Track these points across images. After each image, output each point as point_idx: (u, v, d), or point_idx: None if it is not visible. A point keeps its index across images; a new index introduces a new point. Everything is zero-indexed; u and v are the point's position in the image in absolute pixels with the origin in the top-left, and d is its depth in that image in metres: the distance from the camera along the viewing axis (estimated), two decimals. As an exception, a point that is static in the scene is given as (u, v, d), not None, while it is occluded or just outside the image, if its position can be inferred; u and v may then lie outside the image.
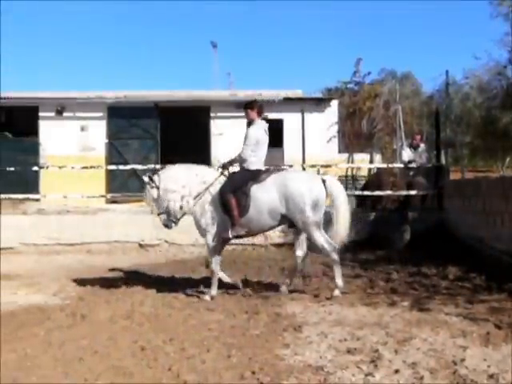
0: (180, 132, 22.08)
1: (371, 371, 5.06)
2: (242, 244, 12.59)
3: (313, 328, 6.56)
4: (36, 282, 9.65)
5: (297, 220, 8.25)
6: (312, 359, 5.48)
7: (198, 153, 20.69)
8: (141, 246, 12.67)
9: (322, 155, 18.24)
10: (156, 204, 8.53)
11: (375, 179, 16.75)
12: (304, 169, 15.55)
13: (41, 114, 19.45)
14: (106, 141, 19.62)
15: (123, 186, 18.44)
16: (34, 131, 19.30)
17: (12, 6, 79.80)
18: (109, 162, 19.01)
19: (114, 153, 19.66)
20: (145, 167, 15.26)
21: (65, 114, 19.51)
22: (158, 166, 16.21)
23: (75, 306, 7.88)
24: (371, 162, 19.17)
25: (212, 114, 20.03)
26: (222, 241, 8.56)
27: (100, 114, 19.59)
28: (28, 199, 15.94)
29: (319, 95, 23.44)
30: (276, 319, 7.00)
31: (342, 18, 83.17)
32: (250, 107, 8.68)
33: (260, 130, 8.53)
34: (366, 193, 15.39)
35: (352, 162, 19.36)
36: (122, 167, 16.02)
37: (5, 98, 19.75)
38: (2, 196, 14.39)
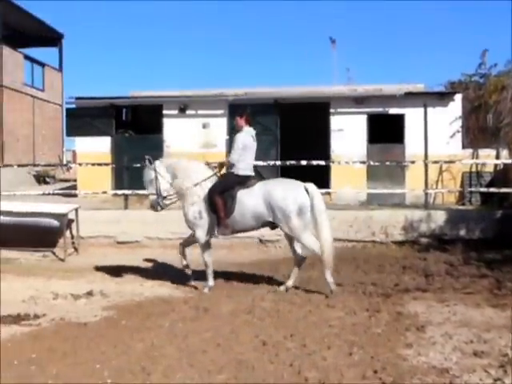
0: (299, 128, 22.07)
1: (500, 376, 4.86)
2: (362, 241, 12.46)
3: (436, 328, 6.40)
4: (161, 274, 9.95)
5: (283, 226, 8.67)
6: (436, 361, 5.34)
7: (317, 149, 20.64)
8: (261, 241, 12.77)
9: (444, 151, 17.72)
10: (150, 185, 9.23)
11: (502, 175, 16.08)
12: (426, 165, 15.15)
13: (165, 111, 20.00)
14: (227, 137, 19.94)
15: (242, 181, 18.66)
16: (157, 129, 19.90)
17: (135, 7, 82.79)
18: (229, 158, 19.32)
19: (235, 149, 19.90)
20: (265, 163, 15.36)
21: (187, 112, 20.00)
22: (278, 163, 16.36)
23: (198, 299, 8.08)
24: (497, 157, 18.38)
25: (332, 110, 19.85)
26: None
27: (221, 112, 19.91)
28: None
29: (442, 89, 22.65)
30: (398, 318, 6.88)
31: (466, 7, 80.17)
32: (238, 115, 9.17)
33: (248, 136, 9.00)
34: (492, 190, 14.81)
35: (477, 158, 18.65)
36: (242, 163, 16.22)
37: (131, 98, 20.54)
38: (129, 191, 14.99)
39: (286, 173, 19.34)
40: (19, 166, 17.86)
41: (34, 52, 28.58)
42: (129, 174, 16.23)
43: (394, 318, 6.89)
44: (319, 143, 20.38)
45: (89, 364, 5.49)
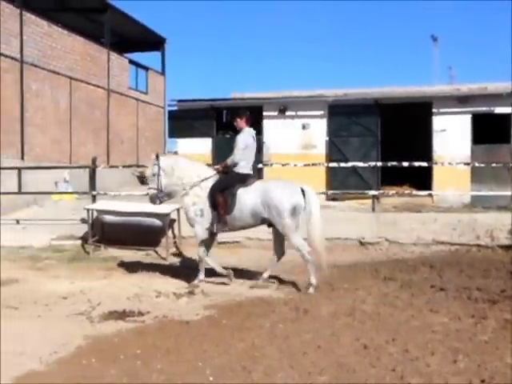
0: (400, 129, 21.72)
1: None
2: (466, 245, 12.06)
3: (548, 337, 6.10)
4: (260, 276, 9.98)
5: (277, 223, 9.02)
6: (549, 372, 5.09)
7: (419, 150, 20.24)
8: (361, 243, 12.61)
9: (555, 151, 16.98)
10: (152, 179, 9.54)
11: None
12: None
13: (264, 113, 20.18)
14: (327, 138, 19.86)
15: (343, 183, 18.55)
16: (257, 130, 20.04)
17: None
18: (329, 159, 19.22)
19: (335, 150, 19.82)
20: (365, 165, 15.21)
21: (287, 113, 20.08)
22: (378, 164, 16.13)
23: (298, 301, 8.04)
24: None
25: (434, 110, 19.41)
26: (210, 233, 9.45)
27: (321, 113, 19.88)
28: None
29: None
30: (505, 325, 6.59)
31: None
32: (238, 116, 9.69)
33: (249, 136, 9.49)
34: None
35: None
36: (342, 165, 16.12)
37: (231, 99, 20.82)
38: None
39: (387, 174, 19.15)
40: (124, 166, 18.44)
41: (138, 56, 29.49)
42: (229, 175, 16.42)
43: (501, 325, 6.61)
44: (421, 144, 19.99)
45: (191, 361, 5.59)
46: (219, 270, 9.50)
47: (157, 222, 12.38)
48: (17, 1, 18.66)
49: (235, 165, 9.32)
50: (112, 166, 19.23)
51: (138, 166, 24.18)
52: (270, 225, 9.32)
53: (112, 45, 25.46)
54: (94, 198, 13.96)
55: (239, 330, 6.66)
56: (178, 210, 12.78)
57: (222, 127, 21.21)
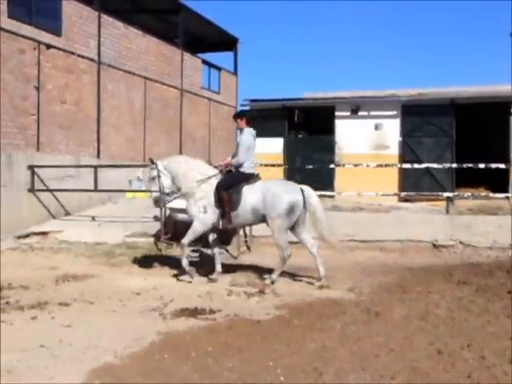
0: (476, 129, 21.20)
1: None
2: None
3: None
4: (330, 277, 9.93)
5: (269, 219, 9.37)
6: None
7: (496, 151, 19.71)
8: (434, 246, 12.38)
9: None
10: (152, 183, 9.87)
11: None
12: None
13: (337, 113, 20.05)
14: (400, 139, 19.58)
15: (416, 184, 18.26)
16: (329, 130, 19.97)
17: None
18: (402, 160, 18.95)
19: (408, 151, 19.52)
20: (440, 166, 14.92)
21: (360, 113, 19.90)
22: (453, 165, 15.79)
23: (369, 303, 7.96)
24: None
25: (512, 110, 18.90)
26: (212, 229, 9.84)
27: (394, 113, 19.62)
28: (324, 196, 16.54)
29: None
30: None
31: None
32: (239, 117, 10.07)
33: (250, 136, 9.81)
34: None
35: None
36: (415, 165, 15.85)
37: (304, 99, 20.79)
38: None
39: (461, 176, 18.72)
40: (196, 166, 18.61)
41: (211, 57, 29.76)
42: (301, 174, 16.44)
43: None
44: (497, 145, 19.47)
45: (262, 360, 5.59)
46: (185, 264, 9.71)
47: (228, 221, 12.43)
48: (95, 3, 19.12)
49: (240, 165, 9.67)
50: (185, 165, 19.47)
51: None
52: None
53: (185, 45, 25.79)
54: (167, 197, 14.14)
55: (310, 330, 6.64)
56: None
57: (293, 127, 21.18)
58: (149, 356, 5.78)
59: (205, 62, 27.98)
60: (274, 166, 16.94)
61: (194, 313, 7.52)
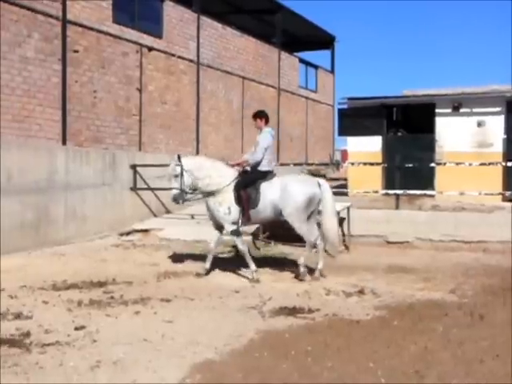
0: None
1: None
2: None
3: None
4: (431, 277, 9.70)
5: (286, 212, 9.60)
6: None
7: None
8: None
9: None
10: (175, 180, 9.79)
11: None
12: None
13: (437, 110, 19.52)
14: (504, 136, 18.86)
15: (521, 183, 17.54)
16: (429, 128, 19.49)
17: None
18: (506, 158, 18.26)
19: (512, 149, 18.79)
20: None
21: (461, 110, 19.31)
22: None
23: (473, 305, 7.72)
24: None
25: None
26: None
27: (498, 109, 18.89)
28: (424, 195, 16.20)
29: None
30: None
31: None
32: (258, 117, 10.21)
33: (269, 136, 10.07)
34: None
35: None
36: (521, 164, 15.25)
37: (403, 97, 20.40)
38: (400, 191, 14.91)
39: None
40: (295, 164, 18.67)
41: (307, 55, 29.75)
42: (400, 173, 16.16)
43: None
44: None
45: (362, 361, 5.53)
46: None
47: (327, 220, 12.36)
48: (195, 6, 19.50)
49: (258, 164, 9.85)
50: (283, 164, 19.54)
51: (308, 164, 24.48)
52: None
53: (282, 44, 25.91)
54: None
55: (411, 332, 6.51)
56: (348, 208, 12.73)
57: (392, 125, 20.81)
58: (248, 353, 5.83)
59: (302, 60, 28.03)
60: (372, 164, 16.73)
61: (292, 311, 7.51)
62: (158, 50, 17.73)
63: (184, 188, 9.85)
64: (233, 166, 10.29)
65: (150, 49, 17.30)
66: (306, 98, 27.99)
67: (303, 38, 29.49)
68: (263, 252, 12.38)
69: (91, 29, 15.12)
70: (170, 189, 9.98)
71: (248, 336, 6.40)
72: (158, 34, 17.81)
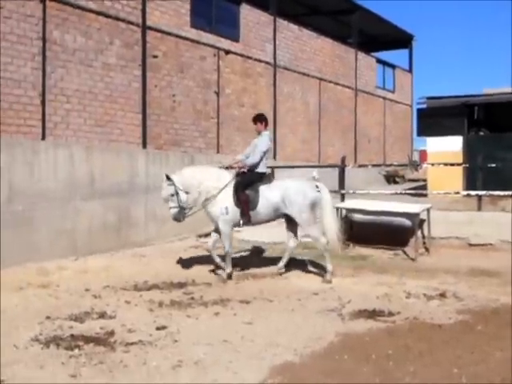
0: None
1: None
2: None
3: None
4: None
5: (296, 218, 9.88)
6: None
7: None
8: None
9: None
10: (171, 199, 9.85)
11: None
12: None
13: (522, 108, 18.93)
14: None
15: None
16: (510, 127, 18.89)
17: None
18: None
19: None
20: None
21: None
22: None
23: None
24: None
25: None
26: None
27: None
28: (508, 196, 15.69)
29: None
30: None
31: None
32: (259, 121, 10.29)
33: (268, 140, 10.22)
34: None
35: None
36: None
37: (484, 95, 19.88)
38: (482, 192, 14.52)
39: None
40: (373, 166, 18.47)
41: (385, 55, 29.40)
42: (482, 174, 15.74)
43: None
44: None
45: (445, 367, 5.40)
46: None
47: (406, 221, 12.17)
48: (271, 9, 19.58)
49: (256, 166, 10.01)
50: (361, 165, 19.36)
51: (386, 165, 24.18)
52: (287, 218, 10.13)
53: (359, 44, 25.70)
54: (342, 197, 14.16)
55: (496, 338, 6.30)
56: (429, 209, 12.49)
57: (473, 124, 20.29)
58: (328, 356, 5.79)
59: (379, 60, 27.71)
60: (452, 165, 16.34)
61: (372, 314, 7.42)
62: (235, 53, 17.89)
63: (182, 205, 9.96)
64: (227, 168, 10.50)
65: (227, 52, 17.46)
66: (384, 98, 27.66)
67: (380, 37, 29.17)
68: (341, 254, 12.27)
69: (170, 34, 15.40)
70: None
71: (328, 339, 6.36)
72: (235, 38, 17.97)
